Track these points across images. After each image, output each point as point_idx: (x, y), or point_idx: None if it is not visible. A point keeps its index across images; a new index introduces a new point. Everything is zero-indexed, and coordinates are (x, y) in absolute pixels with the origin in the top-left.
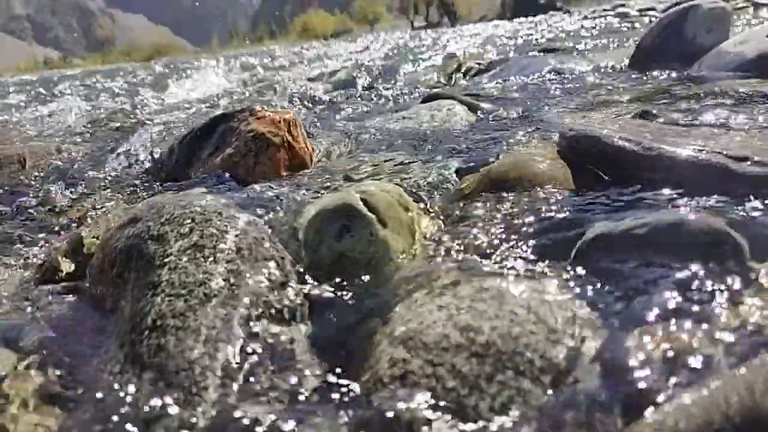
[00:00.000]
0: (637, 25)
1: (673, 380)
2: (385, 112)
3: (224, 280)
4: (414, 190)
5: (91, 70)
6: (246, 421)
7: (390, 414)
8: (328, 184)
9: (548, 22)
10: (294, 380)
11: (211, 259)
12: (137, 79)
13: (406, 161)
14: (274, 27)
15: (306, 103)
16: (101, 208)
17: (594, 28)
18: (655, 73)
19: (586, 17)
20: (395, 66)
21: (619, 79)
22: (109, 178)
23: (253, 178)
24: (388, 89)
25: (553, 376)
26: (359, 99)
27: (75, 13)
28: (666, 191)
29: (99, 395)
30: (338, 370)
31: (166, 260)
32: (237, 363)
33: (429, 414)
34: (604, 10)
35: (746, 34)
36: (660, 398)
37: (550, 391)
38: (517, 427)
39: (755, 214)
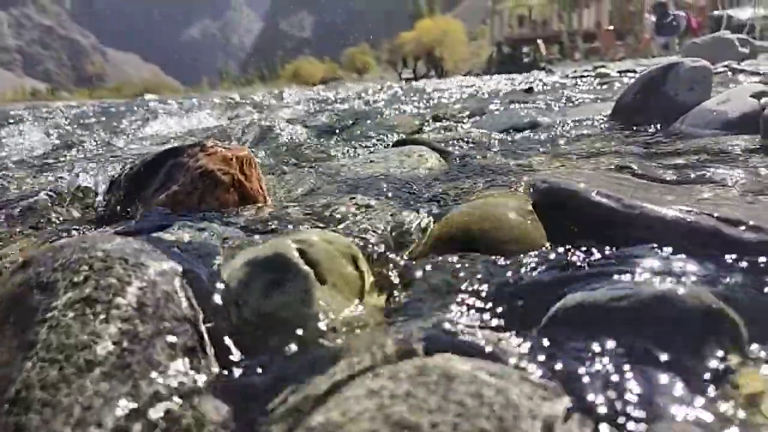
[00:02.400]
0: (617, 84)
1: None
2: (355, 155)
3: (114, 344)
4: (367, 241)
5: (77, 103)
6: None
7: None
8: (272, 228)
9: (530, 80)
10: None
11: (102, 316)
12: (119, 114)
13: (366, 208)
14: (265, 71)
15: (277, 142)
16: (20, 249)
17: (575, 86)
18: (635, 128)
19: (567, 76)
20: (376, 112)
21: (597, 133)
22: (44, 214)
23: (198, 219)
24: (363, 134)
25: None
26: (333, 142)
27: (66, 48)
28: (649, 256)
29: None
30: None
31: (47, 315)
32: None
33: None
34: (585, 70)
35: (728, 94)
36: None
37: None
38: None
39: (751, 287)
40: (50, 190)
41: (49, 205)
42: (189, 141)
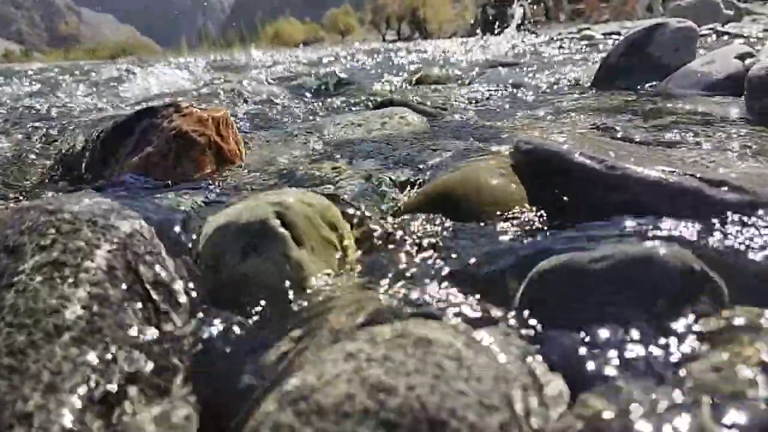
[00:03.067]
0: (601, 46)
1: None
2: (336, 117)
3: (84, 308)
4: (346, 204)
5: (52, 65)
6: None
7: None
8: (250, 190)
9: (515, 42)
10: None
11: (71, 280)
12: (93, 76)
13: (345, 170)
14: (245, 33)
15: (255, 105)
16: None
17: (560, 48)
18: (619, 90)
19: (552, 38)
20: (358, 74)
21: (582, 94)
22: (11, 176)
23: (173, 181)
24: (345, 95)
25: None
26: (313, 104)
27: (39, 7)
28: (631, 217)
29: None
30: None
31: (15, 280)
32: (83, 422)
33: None
34: (570, 32)
35: (713, 55)
36: None
37: None
38: None
39: (733, 249)
40: (20, 153)
41: (18, 167)
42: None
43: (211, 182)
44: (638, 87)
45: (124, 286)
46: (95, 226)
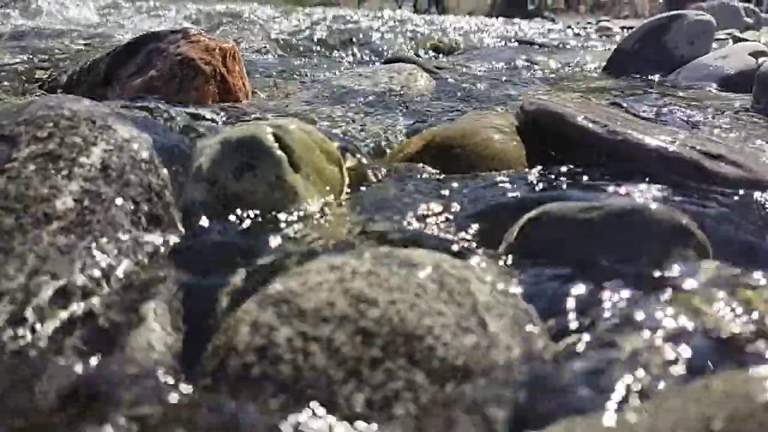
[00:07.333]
0: (617, 38)
1: (599, 396)
2: (345, 70)
3: (75, 201)
4: (345, 142)
5: None
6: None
7: (229, 396)
8: (251, 120)
9: (532, 25)
10: (128, 339)
11: (65, 173)
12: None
13: (348, 114)
14: None
15: (264, 53)
16: None
17: (576, 35)
18: (630, 76)
19: (569, 26)
20: (371, 36)
21: (592, 76)
22: (13, 87)
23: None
24: (355, 51)
25: (455, 371)
26: (322, 58)
27: None
28: (628, 181)
29: None
30: (190, 332)
31: (7, 166)
32: (64, 306)
33: (283, 401)
34: (588, 23)
35: (728, 50)
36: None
37: (448, 389)
38: (397, 429)
39: (724, 217)
40: (23, 67)
41: (22, 80)
42: None
43: (212, 110)
44: (649, 75)
45: (117, 187)
46: (93, 126)
